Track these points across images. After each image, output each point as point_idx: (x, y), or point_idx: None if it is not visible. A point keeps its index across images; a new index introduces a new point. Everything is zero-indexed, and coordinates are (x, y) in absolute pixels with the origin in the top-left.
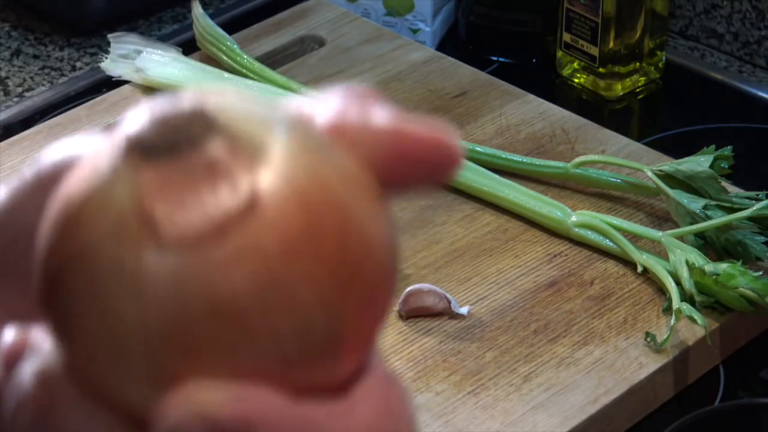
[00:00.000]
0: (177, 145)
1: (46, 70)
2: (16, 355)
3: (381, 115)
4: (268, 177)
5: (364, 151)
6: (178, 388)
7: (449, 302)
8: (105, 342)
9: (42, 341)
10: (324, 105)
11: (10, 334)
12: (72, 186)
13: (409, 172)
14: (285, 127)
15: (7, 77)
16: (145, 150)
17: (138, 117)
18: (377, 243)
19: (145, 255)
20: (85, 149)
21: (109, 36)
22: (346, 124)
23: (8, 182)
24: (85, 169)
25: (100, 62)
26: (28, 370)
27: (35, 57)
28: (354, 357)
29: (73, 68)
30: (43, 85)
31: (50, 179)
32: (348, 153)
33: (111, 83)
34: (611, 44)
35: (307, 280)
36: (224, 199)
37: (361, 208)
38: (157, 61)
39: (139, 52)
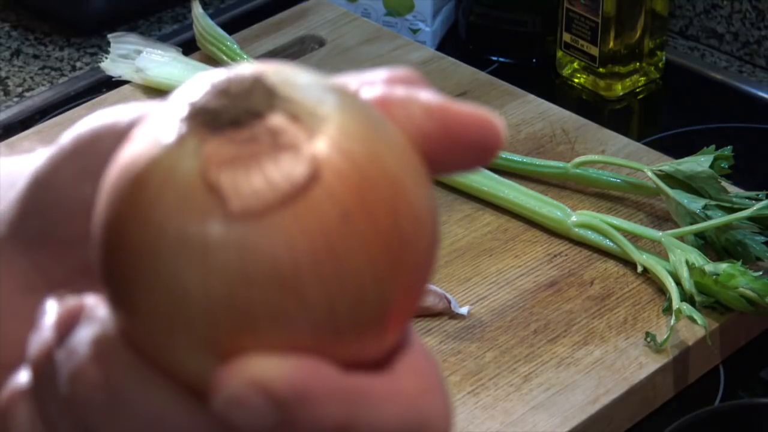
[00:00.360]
0: (241, 116)
1: (46, 70)
2: (70, 321)
3: (426, 93)
4: (326, 148)
5: (410, 126)
6: (236, 359)
7: (449, 302)
8: (167, 311)
9: (95, 308)
10: (370, 81)
11: (65, 300)
12: (134, 154)
13: (453, 150)
14: (338, 99)
15: (7, 77)
16: (210, 121)
17: (199, 88)
18: (425, 218)
19: (210, 225)
20: (124, 117)
21: (109, 36)
22: (393, 99)
23: (46, 150)
24: (146, 137)
25: (100, 62)
26: (83, 337)
27: (35, 57)
28: (397, 331)
29: (73, 68)
30: (43, 85)
31: (89, 146)
32: (396, 127)
33: (111, 83)
34: (611, 44)
35: (362, 251)
36: (288, 169)
37: (411, 182)
38: (157, 61)
39: (139, 52)
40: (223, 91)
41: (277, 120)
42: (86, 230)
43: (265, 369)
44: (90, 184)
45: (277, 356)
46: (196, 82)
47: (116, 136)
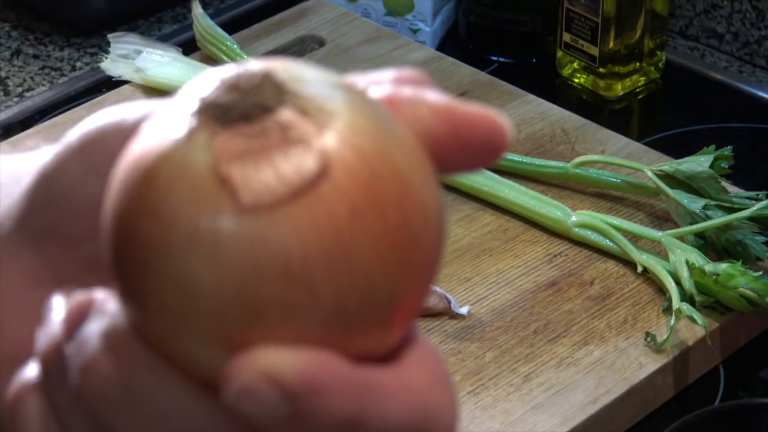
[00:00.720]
0: (251, 111)
1: (46, 70)
2: (79, 315)
3: (434, 94)
4: (335, 143)
5: (418, 126)
6: (246, 352)
7: (449, 302)
8: (177, 304)
9: (105, 302)
10: (377, 81)
11: (73, 294)
12: (143, 148)
13: (460, 150)
14: (347, 95)
15: (7, 77)
16: (220, 115)
17: (208, 83)
18: (433, 216)
19: (222, 218)
20: (130, 115)
21: (109, 36)
22: (400, 99)
23: (52, 147)
24: (155, 131)
25: (100, 62)
26: (94, 330)
27: (35, 57)
28: (404, 325)
29: (73, 68)
30: (43, 85)
31: (95, 144)
32: (404, 125)
33: (111, 83)
34: (611, 44)
35: (371, 246)
36: (298, 163)
37: (419, 180)
38: (157, 61)
39: (139, 52)
40: (233, 87)
41: (286, 115)
42: (93, 226)
43: (276, 361)
44: (96, 180)
45: (288, 348)
46: (204, 78)
47: (122, 134)
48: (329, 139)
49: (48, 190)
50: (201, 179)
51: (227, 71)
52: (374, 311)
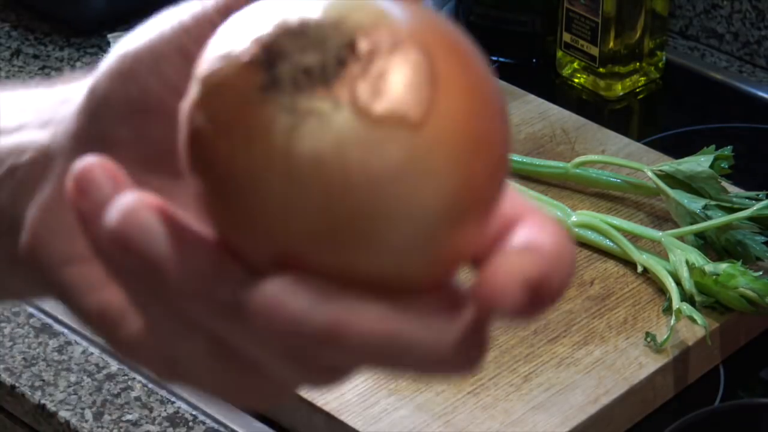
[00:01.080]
0: (342, 55)
1: (46, 70)
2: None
3: None
4: (427, 43)
5: None
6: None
7: None
8: (389, 234)
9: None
10: None
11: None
12: (276, 146)
13: None
14: (393, 9)
15: (7, 77)
16: (321, 74)
17: (278, 48)
18: (507, 108)
19: (403, 151)
20: (161, 33)
21: (109, 36)
22: None
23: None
24: (269, 125)
25: (100, 62)
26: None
27: (35, 57)
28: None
29: (73, 68)
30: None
31: (130, 59)
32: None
33: None
34: (611, 44)
35: (497, 125)
36: (416, 74)
37: (480, 57)
38: None
39: None
40: (308, 44)
41: (369, 40)
42: (137, 128)
43: (524, 264)
44: (133, 85)
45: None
46: (269, 39)
47: (155, 51)
48: (414, 53)
49: (92, 101)
50: (358, 133)
51: (288, 26)
52: (504, 183)
